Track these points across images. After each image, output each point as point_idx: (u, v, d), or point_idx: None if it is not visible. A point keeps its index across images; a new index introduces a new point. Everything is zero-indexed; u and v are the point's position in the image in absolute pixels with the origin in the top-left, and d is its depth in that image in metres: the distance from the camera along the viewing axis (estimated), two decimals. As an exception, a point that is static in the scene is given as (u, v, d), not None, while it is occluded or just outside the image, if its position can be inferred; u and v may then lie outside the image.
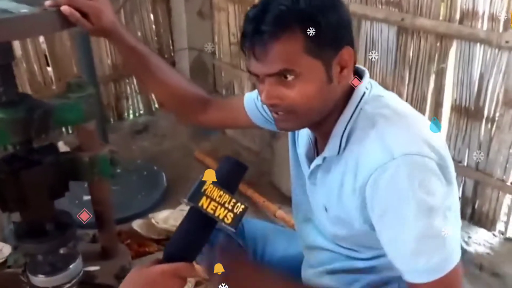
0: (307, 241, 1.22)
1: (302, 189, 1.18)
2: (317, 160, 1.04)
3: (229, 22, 3.03)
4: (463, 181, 2.07)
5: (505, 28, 1.77)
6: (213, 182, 0.88)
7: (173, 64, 3.20)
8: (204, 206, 0.87)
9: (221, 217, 0.88)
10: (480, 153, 1.95)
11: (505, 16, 1.76)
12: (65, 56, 2.80)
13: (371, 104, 0.98)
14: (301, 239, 1.26)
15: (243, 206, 0.88)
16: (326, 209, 1.07)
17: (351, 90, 0.98)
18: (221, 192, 0.88)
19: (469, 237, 1.99)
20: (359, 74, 1.00)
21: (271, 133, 2.48)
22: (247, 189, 2.32)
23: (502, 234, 2.00)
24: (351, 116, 0.97)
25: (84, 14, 1.11)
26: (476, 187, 2.03)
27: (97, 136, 1.63)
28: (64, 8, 1.09)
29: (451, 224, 0.91)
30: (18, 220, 1.60)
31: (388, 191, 0.89)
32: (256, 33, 0.90)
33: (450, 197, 0.93)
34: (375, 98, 0.99)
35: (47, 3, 1.12)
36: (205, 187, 0.87)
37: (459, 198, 2.06)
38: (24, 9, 1.17)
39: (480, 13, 1.82)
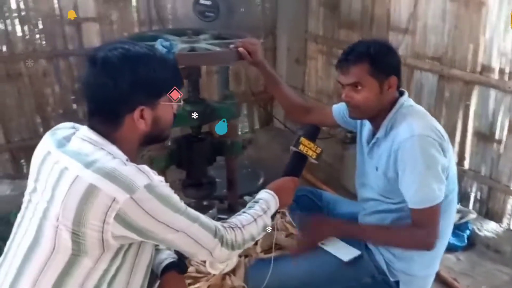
0: (363, 196, 1.82)
1: (362, 164, 1.81)
2: (373, 140, 1.69)
3: (318, 67, 3.99)
4: (479, 187, 2.81)
5: (509, 77, 2.57)
6: (304, 136, 1.71)
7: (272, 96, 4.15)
8: (301, 149, 1.70)
9: (310, 154, 1.69)
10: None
11: (510, 69, 2.56)
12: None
13: (405, 109, 1.63)
14: (359, 197, 1.86)
15: (320, 149, 1.70)
16: (377, 169, 1.67)
17: (395, 101, 1.65)
18: (309, 141, 1.70)
19: (482, 227, 2.71)
20: (401, 93, 1.68)
21: (342, 146, 3.34)
22: (321, 185, 3.18)
23: (507, 225, 2.71)
24: (393, 115, 1.63)
25: (248, 53, 1.99)
26: (489, 191, 2.77)
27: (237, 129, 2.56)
28: (241, 49, 1.98)
29: (440, 180, 1.50)
30: (183, 178, 2.53)
31: (408, 153, 1.51)
32: (345, 60, 1.60)
33: (446, 164, 1.53)
34: (408, 106, 1.65)
35: (231, 46, 2.03)
36: (300, 139, 1.71)
37: (478, 199, 2.81)
38: (217, 49, 2.17)
39: (494, 67, 2.64)
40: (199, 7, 2.71)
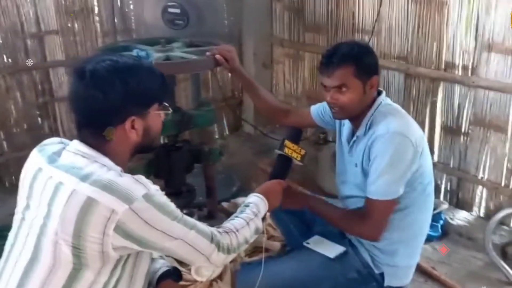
0: (344, 194, 1.86)
1: (342, 162, 1.85)
2: (354, 138, 1.74)
3: (285, 71, 4.03)
4: (449, 178, 2.93)
5: (472, 73, 2.69)
6: (288, 139, 1.74)
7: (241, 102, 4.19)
8: (286, 152, 1.73)
9: (294, 156, 1.72)
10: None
11: (472, 65, 2.68)
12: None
13: (384, 108, 1.68)
14: (340, 194, 1.90)
15: (304, 151, 1.74)
16: (356, 165, 1.72)
17: (374, 100, 1.69)
18: (292, 144, 1.73)
19: (454, 216, 2.82)
20: (379, 92, 1.72)
21: (316, 148, 3.39)
22: (298, 187, 3.21)
23: (476, 213, 2.84)
24: (372, 113, 1.67)
25: (226, 59, 2.00)
26: (458, 182, 2.89)
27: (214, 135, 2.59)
28: (218, 56, 1.99)
29: (400, 179, 1.56)
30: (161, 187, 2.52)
31: (380, 147, 1.58)
32: (329, 63, 1.60)
33: (417, 165, 1.60)
34: (386, 105, 1.70)
35: (207, 53, 2.04)
36: (285, 142, 1.74)
37: (448, 190, 2.92)
38: (193, 57, 2.18)
39: (457, 64, 2.75)
40: (168, 15, 2.70)
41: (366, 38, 3.18)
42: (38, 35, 3.14)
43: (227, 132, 4.28)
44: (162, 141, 2.51)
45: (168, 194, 2.39)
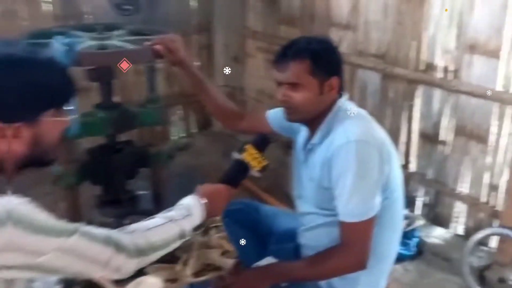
0: (300, 209, 1.67)
1: (299, 174, 1.64)
2: (309, 145, 1.54)
3: (258, 65, 3.78)
4: (426, 191, 2.68)
5: (454, 76, 2.45)
6: (252, 144, 1.49)
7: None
8: (245, 157, 1.48)
9: (253, 165, 1.47)
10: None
11: (454, 67, 2.44)
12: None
13: (343, 113, 1.49)
14: (297, 210, 1.69)
15: (266, 162, 1.49)
16: (312, 179, 1.52)
17: (334, 103, 1.50)
18: (255, 151, 1.49)
19: (430, 233, 2.59)
20: (341, 96, 1.52)
21: (285, 151, 3.14)
22: (267, 197, 2.96)
23: (454, 231, 2.60)
24: (331, 119, 1.48)
25: (168, 51, 1.74)
26: (436, 195, 2.65)
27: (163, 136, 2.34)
28: (157, 46, 1.73)
29: (375, 192, 1.38)
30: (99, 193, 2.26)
31: (343, 160, 1.38)
32: (283, 56, 1.44)
33: (387, 171, 1.41)
34: (346, 110, 1.49)
35: (146, 43, 1.79)
36: (246, 146, 1.49)
37: (425, 204, 2.69)
38: (130, 46, 1.91)
39: (437, 65, 2.51)
40: (114, -1, 2.41)
41: (343, 33, 2.93)
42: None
43: (195, 130, 4.05)
44: (100, 142, 2.23)
45: (106, 202, 2.19)
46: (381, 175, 1.42)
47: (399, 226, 1.60)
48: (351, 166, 1.38)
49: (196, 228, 1.28)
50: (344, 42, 2.92)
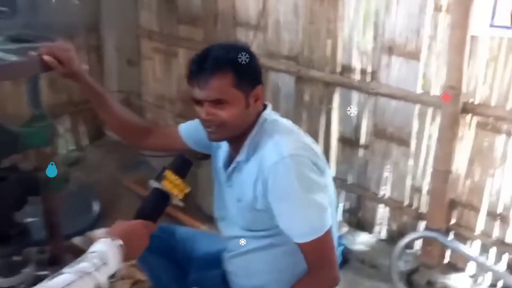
0: (225, 233, 1.53)
1: (220, 195, 1.51)
2: (233, 164, 1.39)
3: (155, 68, 3.46)
4: (348, 196, 2.61)
5: (371, 78, 2.39)
6: (171, 169, 1.29)
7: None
8: (165, 186, 1.28)
9: (175, 193, 1.29)
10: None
11: (372, 69, 2.38)
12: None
13: (269, 125, 1.37)
14: (221, 233, 1.55)
15: (189, 188, 1.31)
16: (239, 200, 1.39)
17: (259, 115, 1.38)
18: (176, 177, 1.29)
19: (354, 239, 2.51)
20: (264, 106, 1.41)
21: (194, 163, 2.88)
22: (176, 212, 2.67)
23: (378, 235, 2.56)
24: (256, 133, 1.36)
25: (59, 62, 1.45)
26: (358, 200, 2.59)
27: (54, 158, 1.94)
28: (46, 57, 1.43)
29: (323, 203, 1.30)
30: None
31: (282, 180, 1.27)
32: (200, 70, 1.27)
33: (324, 181, 1.34)
34: (272, 121, 1.39)
35: (31, 53, 1.46)
36: (165, 173, 1.29)
37: (347, 210, 2.62)
38: (13, 57, 1.52)
39: (354, 67, 2.43)
40: (-15, -1, 1.95)
41: (251, 34, 2.74)
42: None
43: (86, 142, 3.63)
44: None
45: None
46: (323, 185, 1.34)
47: (334, 239, 1.43)
48: (292, 184, 1.28)
49: (111, 276, 1.11)
50: (253, 43, 2.73)
